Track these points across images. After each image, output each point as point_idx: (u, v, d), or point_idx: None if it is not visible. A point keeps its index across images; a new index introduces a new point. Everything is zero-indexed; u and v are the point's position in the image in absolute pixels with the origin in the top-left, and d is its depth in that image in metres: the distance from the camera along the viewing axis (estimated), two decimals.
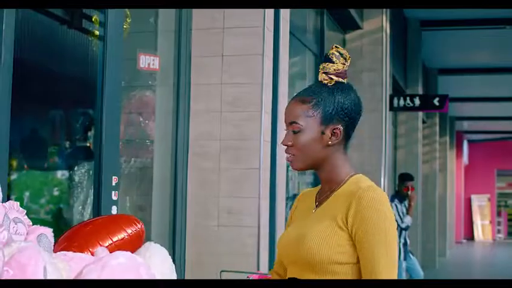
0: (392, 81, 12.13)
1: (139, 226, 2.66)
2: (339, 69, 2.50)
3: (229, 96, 5.05)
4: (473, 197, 33.98)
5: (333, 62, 2.49)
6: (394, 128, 14.15)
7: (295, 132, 2.49)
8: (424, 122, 18.03)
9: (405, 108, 12.16)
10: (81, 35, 4.29)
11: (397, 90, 12.87)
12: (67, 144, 6.20)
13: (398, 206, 10.10)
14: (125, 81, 4.92)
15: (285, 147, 2.54)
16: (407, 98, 12.10)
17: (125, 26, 4.19)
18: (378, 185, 8.11)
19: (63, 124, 6.07)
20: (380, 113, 10.02)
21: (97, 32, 4.13)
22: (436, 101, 12.12)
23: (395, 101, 11.85)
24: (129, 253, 2.36)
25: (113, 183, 4.09)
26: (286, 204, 5.75)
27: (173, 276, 2.58)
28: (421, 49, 15.17)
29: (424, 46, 15.31)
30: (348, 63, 2.53)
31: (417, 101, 12.09)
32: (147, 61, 4.58)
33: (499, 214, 35.34)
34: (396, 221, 9.21)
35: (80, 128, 4.94)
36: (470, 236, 33.08)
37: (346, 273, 2.39)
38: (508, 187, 37.34)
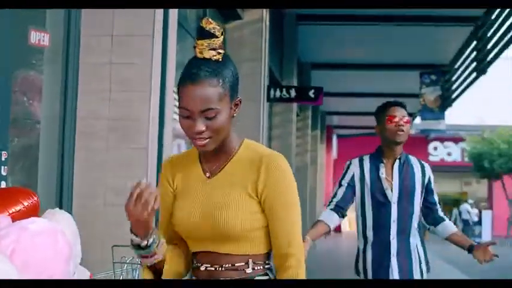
0: (269, 73, 12.32)
1: (35, 198, 2.69)
2: (221, 42, 2.50)
3: (118, 76, 5.06)
4: None
5: (217, 37, 2.47)
6: (269, 119, 14.34)
7: (210, 117, 2.44)
8: (297, 115, 18.38)
9: (281, 100, 12.39)
10: None
11: (273, 82, 13.07)
12: None
13: None
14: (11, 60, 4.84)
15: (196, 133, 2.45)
16: (284, 90, 12.35)
17: None
18: None
19: None
20: (259, 102, 10.16)
21: None
22: (311, 93, 12.44)
23: (271, 92, 12.06)
24: (46, 219, 2.40)
25: (3, 159, 4.05)
26: None
27: (77, 240, 2.61)
28: (297, 43, 15.43)
29: (300, 40, 15.58)
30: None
31: (293, 93, 12.36)
32: (37, 37, 4.51)
33: None
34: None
35: None
36: (338, 228, 33.93)
37: (259, 237, 2.53)
38: None
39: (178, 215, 2.59)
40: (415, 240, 4.93)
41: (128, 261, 3.73)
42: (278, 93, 12.20)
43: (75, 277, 2.54)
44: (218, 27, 2.48)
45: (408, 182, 4.95)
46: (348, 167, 5.08)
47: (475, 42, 15.04)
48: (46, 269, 2.15)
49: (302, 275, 2.51)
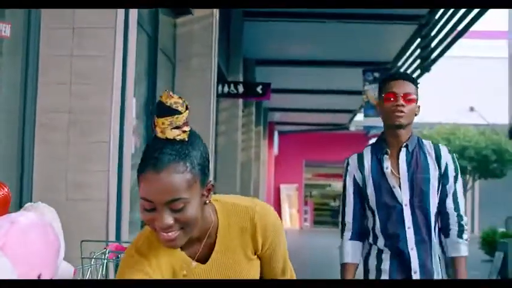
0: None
1: (5, 190, 2.63)
2: (186, 119, 2.12)
3: (79, 68, 5.00)
4: (282, 186, 35.09)
5: (180, 112, 2.09)
6: (215, 114, 14.33)
7: (177, 209, 2.09)
8: (242, 111, 18.43)
9: (229, 95, 12.43)
10: None
11: (219, 78, 13.07)
12: None
13: None
14: None
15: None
16: (231, 85, 12.38)
17: None
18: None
19: None
20: (209, 98, 10.13)
21: None
22: (259, 89, 12.50)
23: (219, 87, 12.07)
24: (33, 213, 2.35)
25: None
26: (132, 176, 5.68)
27: (61, 233, 2.57)
28: (243, 39, 15.45)
29: (245, 36, 15.61)
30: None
31: (241, 88, 12.41)
32: None
33: (305, 203, 36.80)
34: None
35: None
36: None
37: None
38: (313, 178, 38.85)
39: None
40: (437, 243, 3.86)
41: (95, 256, 3.70)
42: (226, 89, 12.23)
43: (59, 271, 2.50)
44: (181, 101, 2.10)
45: (420, 174, 3.79)
46: (347, 169, 3.93)
47: (418, 40, 15.23)
48: (37, 262, 2.12)
49: None
